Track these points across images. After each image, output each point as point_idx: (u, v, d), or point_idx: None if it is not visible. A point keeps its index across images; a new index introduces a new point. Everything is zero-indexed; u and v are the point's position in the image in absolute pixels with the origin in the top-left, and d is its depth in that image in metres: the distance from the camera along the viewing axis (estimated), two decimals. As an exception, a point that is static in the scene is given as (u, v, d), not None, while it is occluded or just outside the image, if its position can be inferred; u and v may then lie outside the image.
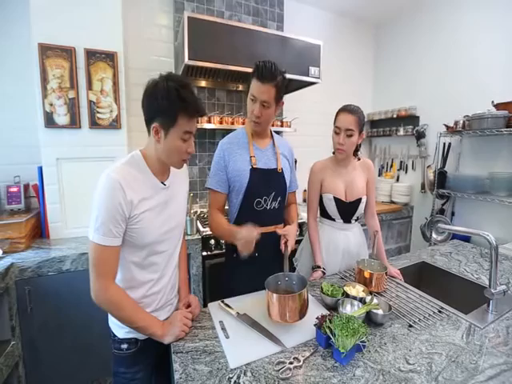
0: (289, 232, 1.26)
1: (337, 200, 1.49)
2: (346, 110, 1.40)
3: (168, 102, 0.85)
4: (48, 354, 1.62)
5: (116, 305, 0.88)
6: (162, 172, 0.99)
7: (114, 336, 1.01)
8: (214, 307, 1.15)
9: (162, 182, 0.98)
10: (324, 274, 1.42)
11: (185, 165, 1.08)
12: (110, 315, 1.02)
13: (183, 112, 0.87)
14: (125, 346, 1.00)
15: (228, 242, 1.34)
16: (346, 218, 1.53)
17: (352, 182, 1.50)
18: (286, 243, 1.23)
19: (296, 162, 3.12)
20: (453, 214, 2.80)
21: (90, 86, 1.82)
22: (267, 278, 1.09)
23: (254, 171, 1.28)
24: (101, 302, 0.88)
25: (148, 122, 0.91)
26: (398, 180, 3.42)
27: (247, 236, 1.12)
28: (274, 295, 0.98)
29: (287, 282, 1.14)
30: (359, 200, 1.50)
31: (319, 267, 1.42)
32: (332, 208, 1.51)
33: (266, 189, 1.31)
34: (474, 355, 0.90)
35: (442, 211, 2.81)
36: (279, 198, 1.36)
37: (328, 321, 0.91)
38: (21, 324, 1.54)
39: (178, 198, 1.06)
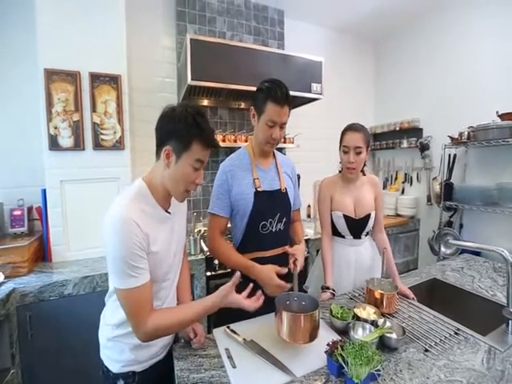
0: (298, 251, 1.23)
1: (346, 217, 1.48)
2: (352, 128, 1.42)
3: (185, 126, 0.85)
4: (48, 382, 1.57)
5: (162, 331, 0.87)
6: (165, 200, 0.96)
7: (108, 371, 0.95)
8: (219, 333, 1.10)
9: (167, 211, 0.96)
10: (333, 295, 1.38)
11: None
12: (102, 348, 0.98)
13: (198, 139, 0.86)
14: (121, 382, 0.93)
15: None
16: (356, 235, 1.52)
17: (361, 198, 1.50)
18: (294, 262, 1.20)
19: (299, 177, 3.12)
20: (461, 226, 2.74)
21: (94, 109, 1.84)
22: (278, 296, 1.07)
23: (258, 194, 1.25)
24: (147, 339, 0.86)
25: (160, 145, 0.89)
26: (403, 193, 3.38)
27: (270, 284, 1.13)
28: (285, 313, 0.95)
29: (296, 301, 1.10)
30: (368, 216, 1.49)
31: (328, 288, 1.38)
32: (342, 225, 1.50)
33: (271, 211, 1.28)
34: (497, 382, 0.84)
35: (449, 224, 2.76)
36: (284, 219, 1.32)
37: (340, 348, 0.86)
38: (21, 351, 1.50)
39: (179, 222, 1.05)
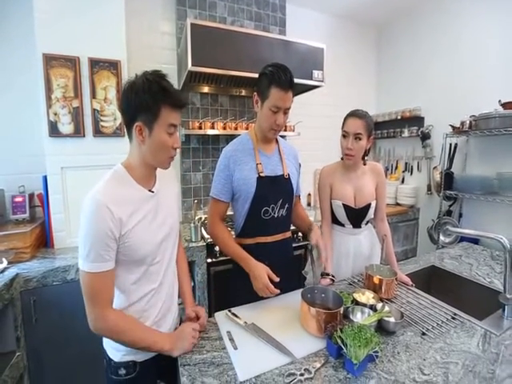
0: (319, 240, 1.25)
1: (346, 206, 1.47)
2: (354, 114, 1.40)
3: (149, 95, 0.82)
4: (53, 364, 1.61)
5: (116, 332, 0.85)
6: (148, 179, 0.95)
7: (110, 360, 0.96)
8: (220, 317, 1.12)
9: (150, 190, 0.94)
10: (333, 281, 1.40)
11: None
12: (104, 337, 0.97)
13: (166, 103, 0.84)
14: (123, 371, 0.94)
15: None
16: (356, 224, 1.52)
17: (361, 188, 1.48)
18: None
19: (300, 165, 3.12)
20: (460, 215, 2.75)
21: (93, 95, 1.83)
22: (302, 290, 1.10)
23: (261, 179, 1.24)
24: (100, 331, 0.84)
25: (129, 124, 0.86)
26: (403, 182, 3.39)
27: (260, 281, 1.12)
28: (312, 309, 0.99)
29: (317, 293, 1.14)
30: (368, 205, 1.48)
31: (328, 274, 1.40)
32: (341, 214, 1.50)
33: (274, 196, 1.28)
34: (492, 364, 0.86)
35: (449, 213, 2.77)
36: (287, 205, 1.33)
37: (339, 330, 0.88)
38: (26, 335, 1.53)
39: (167, 203, 1.01)
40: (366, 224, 1.56)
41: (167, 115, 0.85)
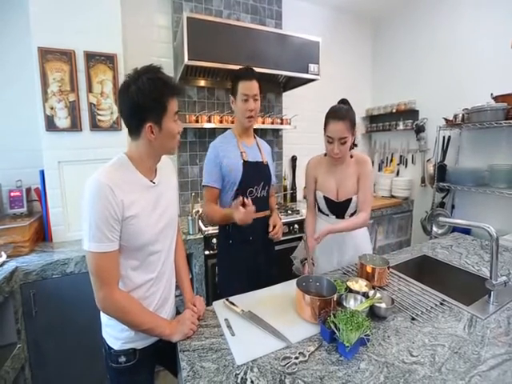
0: (275, 219, 1.51)
1: (327, 199, 1.52)
2: (336, 117, 1.37)
3: (158, 93, 0.86)
4: (53, 356, 1.64)
5: (122, 311, 0.88)
6: (150, 171, 0.98)
7: (110, 349, 0.98)
8: (218, 306, 1.16)
9: (151, 181, 0.97)
10: (313, 265, 1.46)
11: (169, 159, 1.12)
12: (103, 326, 1.01)
13: (169, 94, 0.89)
14: (123, 359, 0.97)
15: (224, 224, 1.49)
16: (339, 215, 1.56)
17: (344, 181, 1.50)
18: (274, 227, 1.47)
19: (296, 159, 3.16)
20: (453, 206, 2.81)
21: (90, 89, 1.83)
22: (297, 279, 1.14)
23: (246, 164, 1.45)
24: (107, 310, 0.88)
25: (138, 126, 0.89)
26: (397, 174, 3.43)
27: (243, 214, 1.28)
28: (307, 296, 1.03)
29: (311, 282, 1.18)
30: (350, 200, 1.50)
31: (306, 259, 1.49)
32: (323, 205, 1.56)
33: (257, 179, 1.49)
34: (476, 346, 0.91)
35: (442, 204, 2.82)
36: (266, 187, 1.54)
37: (332, 316, 0.92)
38: (26, 327, 1.56)
39: (167, 194, 1.05)
40: (352, 215, 1.55)
41: (172, 105, 0.91)
